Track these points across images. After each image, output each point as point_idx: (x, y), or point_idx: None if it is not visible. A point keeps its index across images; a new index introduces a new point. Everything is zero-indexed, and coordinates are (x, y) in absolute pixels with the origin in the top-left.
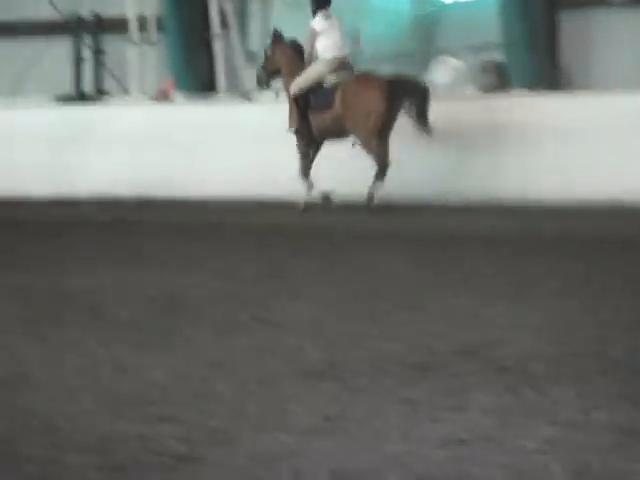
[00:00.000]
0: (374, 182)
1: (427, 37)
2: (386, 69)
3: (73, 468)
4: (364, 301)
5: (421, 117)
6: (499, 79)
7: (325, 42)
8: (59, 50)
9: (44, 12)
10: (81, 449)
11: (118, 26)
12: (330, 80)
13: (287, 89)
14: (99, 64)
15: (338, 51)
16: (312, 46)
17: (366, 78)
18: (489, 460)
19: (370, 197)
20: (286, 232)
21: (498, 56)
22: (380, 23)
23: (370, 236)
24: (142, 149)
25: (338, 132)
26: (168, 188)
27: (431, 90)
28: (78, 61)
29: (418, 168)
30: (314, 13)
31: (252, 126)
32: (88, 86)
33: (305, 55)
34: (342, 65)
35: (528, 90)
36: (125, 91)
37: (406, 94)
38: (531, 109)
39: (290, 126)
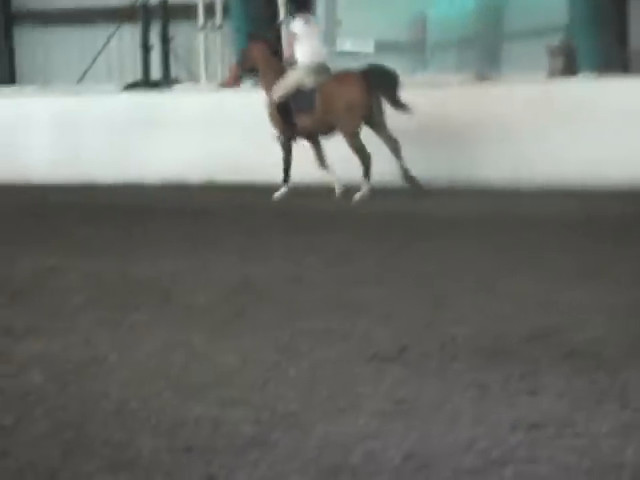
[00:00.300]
0: (365, 177)
1: (493, 21)
2: (451, 55)
3: (145, 451)
4: (433, 285)
5: (394, 102)
6: (567, 63)
7: (304, 47)
8: (127, 37)
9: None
10: (153, 432)
11: (185, 12)
12: (308, 83)
13: (265, 87)
14: (167, 51)
15: (316, 56)
16: (292, 49)
17: (342, 76)
18: (562, 444)
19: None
20: (350, 217)
21: (566, 39)
22: (445, 7)
23: (434, 220)
24: (210, 135)
25: (321, 132)
26: (236, 173)
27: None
28: (146, 48)
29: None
30: (293, 16)
31: None
32: (156, 73)
33: (285, 57)
34: (320, 70)
35: (597, 73)
36: (193, 77)
37: (380, 83)
38: (600, 93)
39: (276, 132)
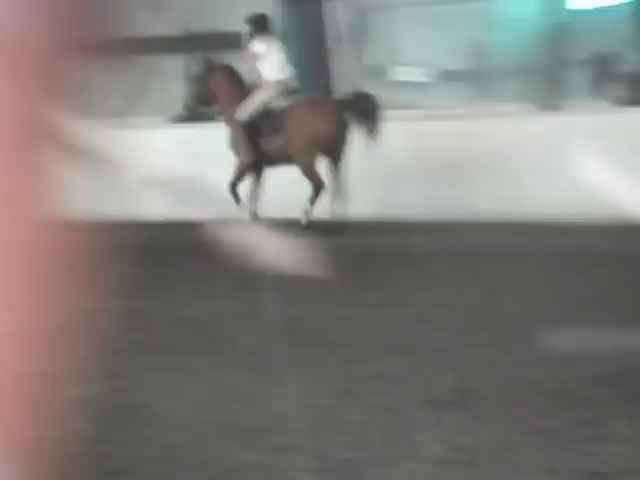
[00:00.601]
0: (310, 203)
1: (555, 47)
2: (511, 83)
3: None
4: (494, 326)
5: (372, 131)
6: (633, 91)
7: (267, 65)
8: (171, 67)
9: (156, 29)
10: None
11: (231, 41)
12: (279, 104)
13: (226, 117)
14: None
15: (282, 74)
16: (253, 70)
17: (314, 99)
18: None
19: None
20: (402, 254)
21: (631, 66)
22: (505, 34)
23: (491, 256)
24: None
25: (288, 158)
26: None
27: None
28: (191, 78)
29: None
30: (252, 37)
31: None
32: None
33: (247, 80)
34: (288, 88)
35: None
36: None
37: (356, 111)
38: None
39: (241, 159)
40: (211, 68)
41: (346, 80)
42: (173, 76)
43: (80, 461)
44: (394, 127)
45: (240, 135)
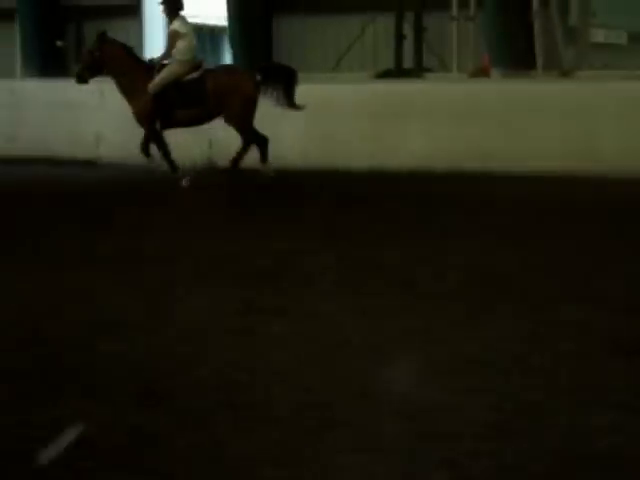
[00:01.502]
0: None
1: None
2: None
3: (388, 435)
4: None
5: (288, 98)
6: None
7: (184, 44)
8: (380, 27)
9: None
10: (396, 417)
11: (439, 3)
12: (190, 76)
13: (121, 88)
14: (420, 40)
15: (195, 53)
16: (172, 47)
17: (232, 70)
18: None
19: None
20: (607, 206)
21: None
22: None
23: None
24: (460, 124)
25: (202, 122)
26: (485, 161)
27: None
28: (400, 38)
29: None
30: (170, 16)
31: (570, 102)
32: (409, 62)
33: (163, 54)
34: (198, 63)
35: None
36: (445, 67)
37: (274, 79)
38: None
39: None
40: (102, 41)
41: (546, 41)
42: (383, 34)
43: (279, 394)
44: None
45: (146, 108)
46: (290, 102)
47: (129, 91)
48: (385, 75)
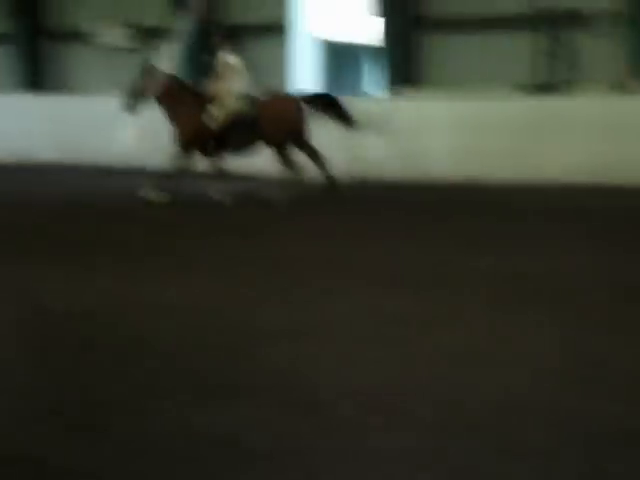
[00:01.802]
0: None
1: None
2: None
3: (538, 441)
4: None
5: (342, 120)
6: None
7: (240, 79)
8: (519, 42)
9: (508, 7)
10: (541, 424)
11: (573, 19)
12: (248, 112)
13: (172, 120)
14: (556, 55)
15: (249, 88)
16: (227, 81)
17: (281, 96)
18: None
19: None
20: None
21: None
22: None
23: None
24: (598, 138)
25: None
26: (621, 175)
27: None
28: (537, 53)
29: None
30: (218, 48)
31: None
32: (546, 77)
33: (218, 88)
34: (255, 100)
35: None
36: (581, 81)
37: (318, 107)
38: None
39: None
40: (149, 72)
41: None
42: (521, 50)
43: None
44: None
45: (195, 142)
46: (346, 125)
47: (174, 119)
48: (524, 89)
